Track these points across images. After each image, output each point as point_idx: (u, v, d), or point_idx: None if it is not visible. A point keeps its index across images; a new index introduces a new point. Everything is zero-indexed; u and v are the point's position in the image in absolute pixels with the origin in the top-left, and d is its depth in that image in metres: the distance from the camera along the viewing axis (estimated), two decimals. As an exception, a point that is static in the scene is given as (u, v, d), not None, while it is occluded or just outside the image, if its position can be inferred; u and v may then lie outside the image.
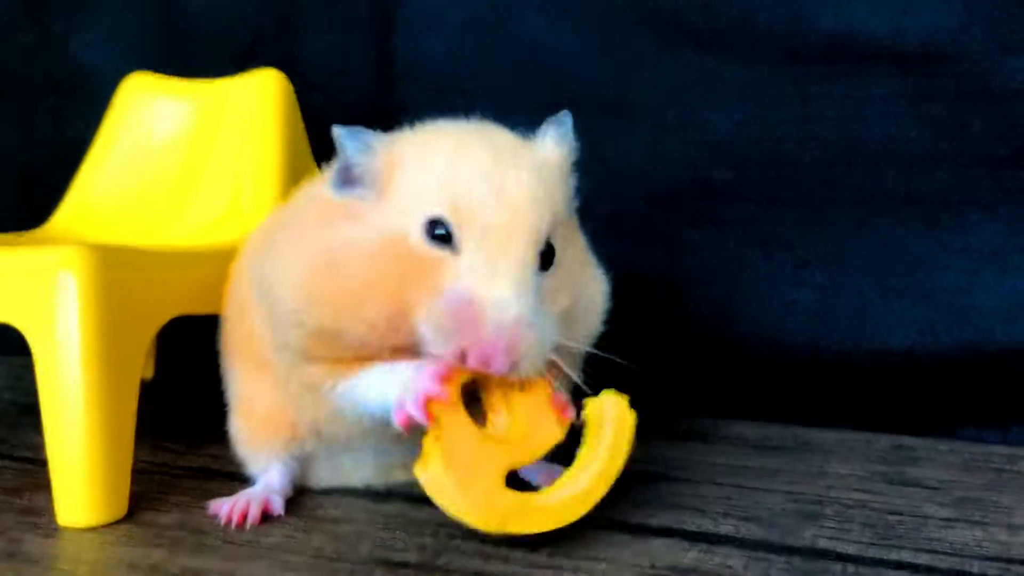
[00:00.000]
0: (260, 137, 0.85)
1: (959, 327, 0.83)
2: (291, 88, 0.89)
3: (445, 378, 0.52)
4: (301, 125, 0.90)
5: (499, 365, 0.50)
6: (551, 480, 0.64)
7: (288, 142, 0.86)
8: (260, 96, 0.87)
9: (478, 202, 0.52)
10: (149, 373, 1.02)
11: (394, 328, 0.53)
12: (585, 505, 0.56)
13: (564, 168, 0.60)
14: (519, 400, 0.56)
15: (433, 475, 0.53)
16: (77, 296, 0.58)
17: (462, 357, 0.50)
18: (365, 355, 0.55)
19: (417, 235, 0.53)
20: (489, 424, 0.56)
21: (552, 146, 0.60)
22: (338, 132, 0.56)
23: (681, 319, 0.91)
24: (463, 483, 0.52)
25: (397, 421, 0.53)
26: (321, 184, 0.61)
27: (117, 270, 0.61)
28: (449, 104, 0.97)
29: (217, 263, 0.70)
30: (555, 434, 0.56)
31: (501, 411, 0.56)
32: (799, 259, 0.87)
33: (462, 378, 0.54)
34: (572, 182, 0.61)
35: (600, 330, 0.61)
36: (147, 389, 0.97)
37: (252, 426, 0.66)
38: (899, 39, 0.83)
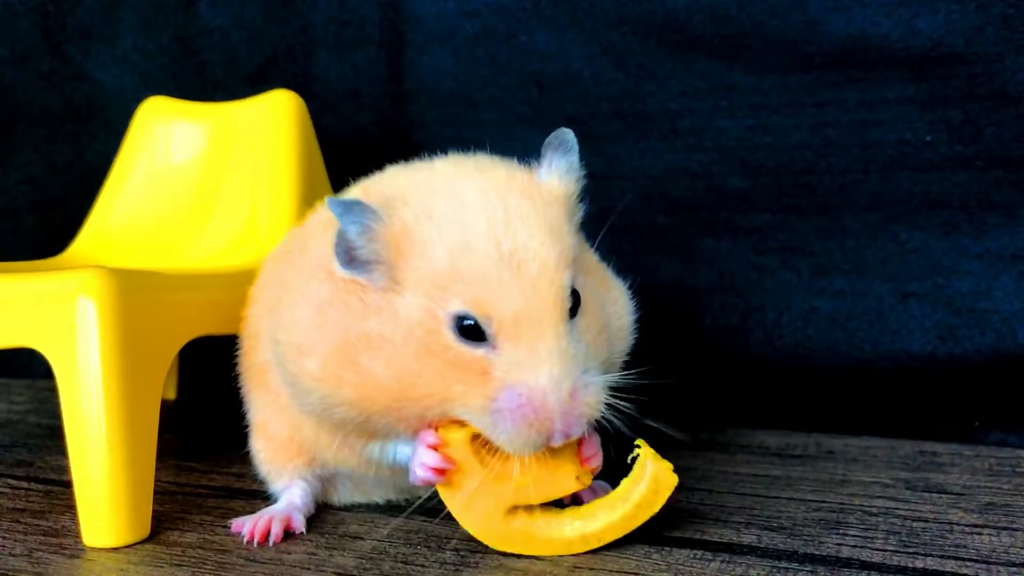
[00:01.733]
0: (275, 158, 0.86)
1: (980, 331, 0.82)
2: (305, 108, 0.90)
3: (441, 446, 0.56)
4: (316, 145, 0.91)
5: (574, 433, 0.53)
6: (594, 495, 0.63)
7: (303, 162, 0.86)
8: (274, 117, 0.88)
9: (499, 287, 0.52)
10: (172, 394, 1.03)
11: (427, 416, 0.55)
12: (587, 546, 0.57)
13: (572, 197, 0.59)
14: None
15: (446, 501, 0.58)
16: (97, 320, 0.59)
17: (537, 443, 0.53)
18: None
19: (446, 331, 0.53)
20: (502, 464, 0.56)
21: (558, 178, 0.59)
22: (335, 208, 0.54)
23: (699, 329, 0.91)
24: (463, 510, 0.58)
25: (417, 483, 0.57)
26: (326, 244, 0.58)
27: (135, 293, 0.61)
28: (460, 118, 0.98)
29: (235, 285, 0.71)
30: (568, 486, 0.57)
31: (511, 458, 0.55)
32: (817, 266, 0.87)
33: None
34: (579, 206, 0.60)
35: (631, 341, 0.62)
36: (170, 410, 0.99)
37: (272, 448, 0.66)
38: (912, 42, 0.82)
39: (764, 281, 0.89)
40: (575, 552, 0.57)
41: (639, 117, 0.92)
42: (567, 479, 0.57)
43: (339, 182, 0.72)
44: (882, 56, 0.83)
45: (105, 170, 0.96)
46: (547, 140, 0.59)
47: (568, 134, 0.59)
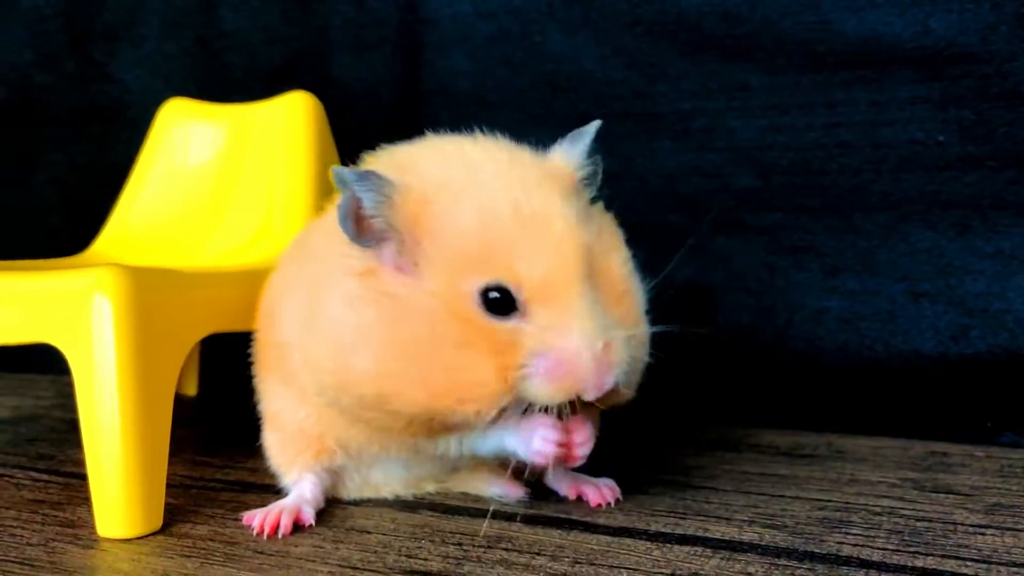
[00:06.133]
0: (292, 158, 0.87)
1: (993, 332, 0.82)
2: (322, 109, 0.91)
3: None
4: (332, 145, 0.92)
5: (607, 384, 0.54)
6: (576, 491, 0.64)
7: (319, 162, 0.88)
8: (292, 118, 0.89)
9: (527, 252, 0.53)
10: (193, 390, 1.05)
11: (493, 401, 0.55)
12: None
13: (578, 178, 0.60)
14: None
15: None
16: (112, 317, 0.60)
17: (569, 393, 0.54)
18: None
19: (473, 307, 0.53)
20: None
21: (565, 159, 0.60)
22: (347, 176, 0.54)
23: (711, 327, 0.91)
24: None
25: (535, 461, 0.57)
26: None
27: (150, 291, 0.63)
28: (475, 118, 0.99)
29: (250, 282, 0.72)
30: None
31: None
32: (829, 266, 0.87)
33: None
34: (588, 189, 0.61)
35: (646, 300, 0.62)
36: (190, 405, 1.01)
37: (283, 440, 0.67)
38: (924, 41, 0.82)
39: (776, 281, 0.89)
40: None
41: (651, 117, 0.92)
42: None
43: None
44: (894, 56, 0.83)
45: (129, 170, 0.98)
46: (571, 133, 0.61)
47: (591, 125, 0.61)
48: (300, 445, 0.66)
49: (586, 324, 0.53)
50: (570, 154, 0.60)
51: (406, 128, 1.01)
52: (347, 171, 0.54)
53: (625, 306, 0.58)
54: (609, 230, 0.62)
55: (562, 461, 0.58)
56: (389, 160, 0.59)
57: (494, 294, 0.53)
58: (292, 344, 0.62)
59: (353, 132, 1.01)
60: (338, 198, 0.66)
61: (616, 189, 0.93)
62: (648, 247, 0.93)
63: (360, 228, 0.55)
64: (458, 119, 1.00)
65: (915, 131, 0.83)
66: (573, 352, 0.52)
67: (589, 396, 0.54)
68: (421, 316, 0.54)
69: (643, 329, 0.59)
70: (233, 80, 1.09)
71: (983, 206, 0.82)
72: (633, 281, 0.60)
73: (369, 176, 0.54)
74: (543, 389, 0.54)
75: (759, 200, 0.89)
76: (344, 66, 1.04)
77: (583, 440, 0.58)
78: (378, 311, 0.55)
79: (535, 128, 0.95)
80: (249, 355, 0.72)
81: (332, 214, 0.66)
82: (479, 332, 0.53)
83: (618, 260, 0.59)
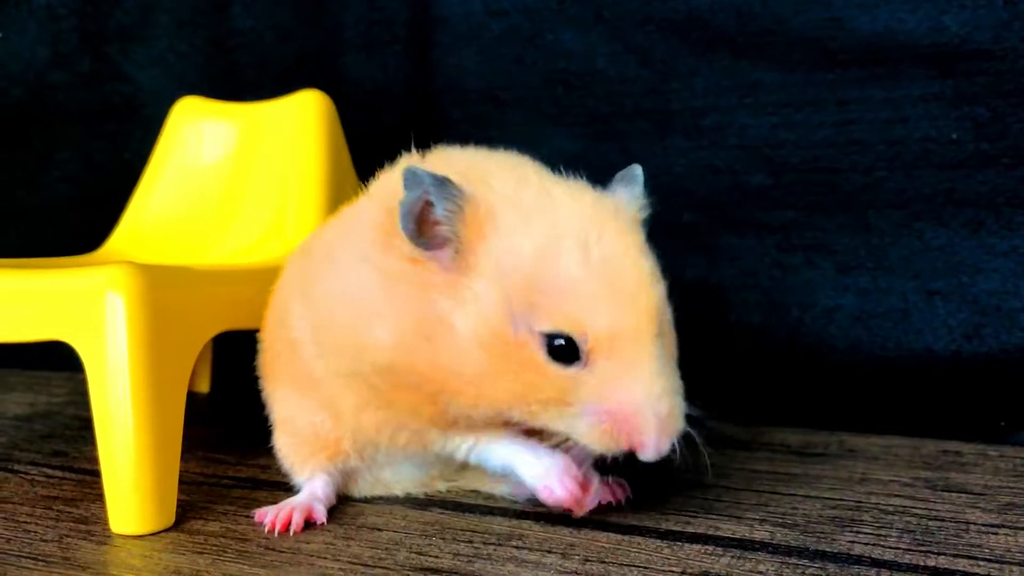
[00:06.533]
0: (304, 157, 0.88)
1: (1006, 330, 0.81)
2: (333, 108, 0.91)
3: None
4: (344, 143, 0.92)
5: (665, 449, 0.53)
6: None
7: (331, 161, 0.88)
8: (303, 117, 0.89)
9: (593, 301, 0.51)
10: (206, 387, 1.05)
11: (507, 414, 0.55)
12: None
13: (640, 223, 0.59)
14: None
15: None
16: (125, 314, 0.61)
17: (620, 448, 0.53)
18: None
19: (537, 350, 0.52)
20: None
21: (628, 203, 0.59)
22: (424, 177, 0.52)
23: (723, 326, 0.91)
24: None
25: (543, 498, 0.58)
26: (378, 221, 0.57)
27: (162, 289, 0.63)
28: (486, 117, 0.99)
29: (262, 280, 0.72)
30: None
31: None
32: (841, 264, 0.87)
33: None
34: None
35: None
36: (203, 402, 1.02)
37: (295, 443, 0.67)
38: (938, 38, 0.82)
39: (788, 279, 0.89)
40: None
41: (663, 115, 0.92)
42: None
43: (366, 180, 0.73)
44: (907, 53, 0.83)
45: (142, 168, 0.99)
46: (617, 175, 0.60)
47: (637, 169, 0.60)
48: (314, 448, 0.66)
49: (655, 383, 0.52)
50: (630, 194, 0.59)
51: (417, 126, 1.02)
52: (424, 172, 0.53)
53: (674, 361, 0.57)
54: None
55: (564, 507, 0.58)
56: (447, 165, 0.57)
57: (559, 342, 0.51)
58: (303, 339, 0.62)
59: (364, 130, 1.01)
60: (343, 206, 0.66)
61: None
62: (660, 245, 0.93)
63: (422, 230, 0.54)
64: (469, 118, 1.01)
65: (928, 128, 0.83)
66: (636, 408, 0.51)
67: (646, 457, 0.53)
68: (460, 309, 0.52)
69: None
70: (245, 79, 1.10)
71: (997, 204, 0.81)
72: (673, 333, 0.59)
73: (446, 183, 0.53)
74: (593, 434, 0.53)
75: (771, 198, 0.89)
76: (355, 65, 1.04)
77: (593, 493, 0.58)
78: (408, 289, 0.54)
79: (546, 126, 0.97)
80: (261, 353, 0.72)
81: (347, 216, 0.66)
82: (535, 368, 0.52)
83: (671, 314, 0.58)
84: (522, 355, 0.52)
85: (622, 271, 0.52)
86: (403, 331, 0.54)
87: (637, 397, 0.51)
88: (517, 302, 0.51)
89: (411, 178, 0.53)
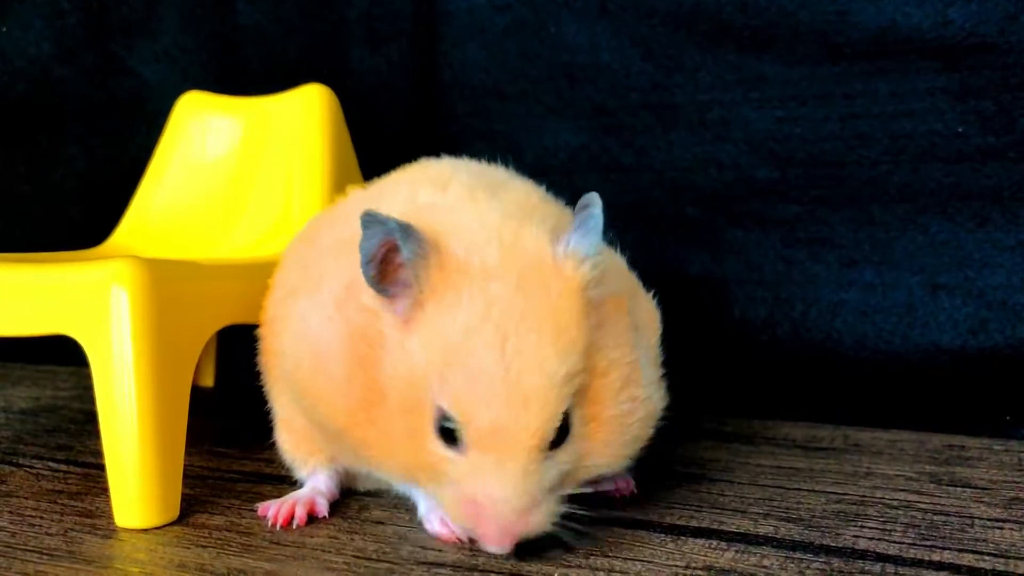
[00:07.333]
0: (308, 151, 0.88)
1: (1011, 325, 0.81)
2: (337, 102, 0.91)
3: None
4: (348, 138, 0.92)
5: (502, 551, 0.53)
6: (615, 489, 0.65)
7: (335, 155, 0.88)
8: (307, 111, 0.89)
9: (489, 395, 0.50)
10: (210, 381, 1.06)
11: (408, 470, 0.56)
12: None
13: (590, 284, 0.54)
14: None
15: None
16: (129, 308, 0.61)
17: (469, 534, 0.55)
18: None
19: (429, 423, 0.53)
20: None
21: (576, 262, 0.54)
22: (390, 227, 0.51)
23: (727, 320, 0.91)
24: None
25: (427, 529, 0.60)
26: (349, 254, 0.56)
27: (167, 283, 0.63)
28: (491, 110, 0.99)
29: (267, 274, 0.72)
30: None
31: None
32: (846, 258, 0.87)
33: None
34: (604, 284, 0.56)
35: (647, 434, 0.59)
36: (207, 396, 1.02)
37: (295, 441, 0.67)
38: (944, 32, 0.82)
39: (792, 273, 0.89)
40: None
41: (668, 108, 0.92)
42: None
43: (371, 174, 0.73)
44: (913, 46, 0.82)
45: (147, 162, 0.99)
46: (578, 203, 0.55)
47: (594, 206, 0.54)
48: (311, 447, 0.66)
49: (509, 486, 0.51)
50: (578, 250, 0.54)
51: (422, 120, 1.02)
52: (388, 217, 0.52)
53: (605, 432, 0.55)
54: (619, 330, 0.57)
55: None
56: (416, 209, 0.57)
57: (447, 423, 0.52)
58: (280, 332, 0.63)
59: (369, 125, 1.01)
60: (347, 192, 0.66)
61: (632, 181, 0.94)
62: (664, 239, 0.93)
63: (383, 274, 0.53)
64: (474, 111, 1.01)
65: (934, 122, 0.82)
66: (485, 504, 0.52)
67: (490, 549, 0.53)
68: (396, 374, 0.53)
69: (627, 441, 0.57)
70: (250, 73, 1.10)
71: (1003, 198, 0.81)
72: (628, 398, 0.56)
73: (411, 230, 0.52)
74: (453, 511, 0.54)
75: (776, 192, 0.88)
76: (360, 59, 1.04)
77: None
78: (366, 350, 0.54)
79: (550, 119, 0.97)
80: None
81: (341, 209, 0.66)
82: (426, 437, 0.53)
83: (617, 377, 0.56)
84: (423, 421, 0.53)
85: (526, 372, 0.50)
86: (351, 404, 0.55)
87: (491, 495, 0.51)
88: (434, 369, 0.52)
89: (373, 222, 0.52)
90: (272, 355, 0.66)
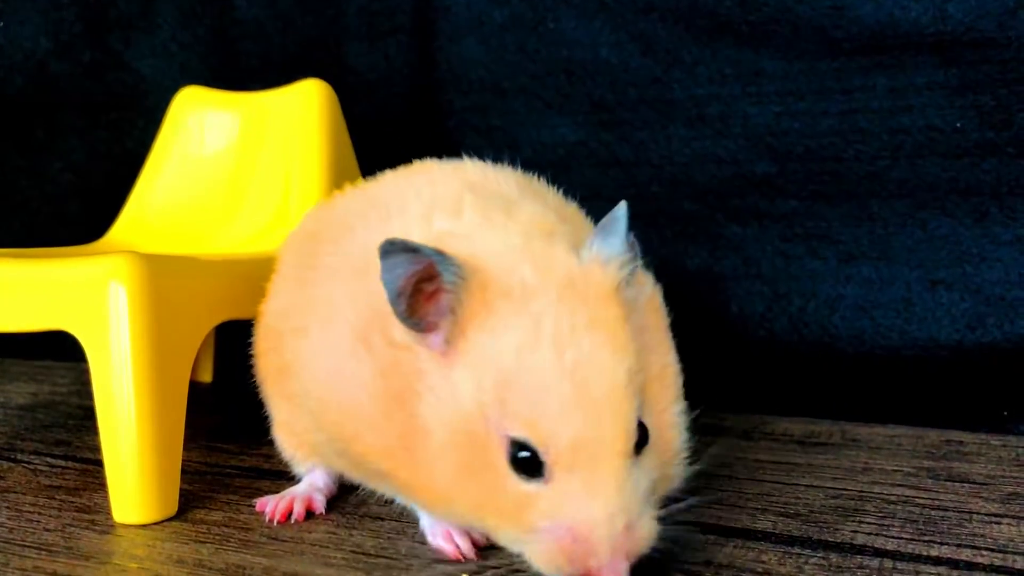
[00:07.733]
0: (306, 146, 0.87)
1: (1010, 320, 0.81)
2: (335, 97, 0.91)
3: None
4: (346, 133, 0.92)
5: (622, 572, 0.47)
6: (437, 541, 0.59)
7: (333, 150, 0.88)
8: (305, 106, 0.89)
9: (560, 414, 0.47)
10: (208, 377, 1.06)
11: (463, 521, 0.53)
12: None
13: (621, 287, 0.52)
14: None
15: None
16: (127, 304, 0.61)
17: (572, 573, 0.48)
18: None
19: (500, 455, 0.48)
20: None
21: (601, 266, 0.52)
22: (424, 249, 0.48)
23: (725, 315, 0.91)
24: None
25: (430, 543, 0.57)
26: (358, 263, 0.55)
27: (165, 278, 0.63)
28: (489, 106, 0.99)
29: (264, 270, 0.72)
30: None
31: None
32: (844, 253, 0.87)
33: None
34: (643, 287, 0.56)
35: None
36: (205, 392, 1.02)
37: (294, 441, 0.67)
38: (942, 27, 0.81)
39: (791, 268, 0.89)
40: None
41: (666, 103, 0.92)
42: None
43: (370, 170, 0.73)
44: (912, 41, 0.82)
45: (145, 158, 0.98)
46: (600, 223, 0.53)
47: (620, 211, 0.53)
48: (310, 446, 0.66)
49: (611, 499, 0.47)
50: (608, 253, 0.52)
51: (421, 115, 1.02)
52: (417, 244, 0.48)
53: (672, 436, 0.54)
54: (661, 333, 0.57)
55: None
56: (450, 233, 0.54)
57: (524, 453, 0.48)
58: (296, 371, 0.60)
59: (367, 120, 1.01)
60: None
61: (631, 176, 0.94)
62: (662, 234, 0.93)
63: (413, 307, 0.50)
64: (472, 107, 1.01)
65: (933, 117, 0.82)
66: (591, 528, 0.47)
67: None
68: (440, 407, 0.50)
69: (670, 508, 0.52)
70: (248, 68, 1.09)
71: (1001, 193, 0.81)
72: (677, 417, 0.55)
73: (447, 256, 0.49)
74: (547, 556, 0.48)
75: (774, 187, 0.88)
76: (358, 54, 1.04)
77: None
78: (399, 385, 0.51)
79: (549, 114, 0.96)
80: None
81: (341, 205, 0.66)
82: (496, 474, 0.49)
83: (671, 382, 0.55)
84: (487, 458, 0.49)
85: (593, 378, 0.48)
86: (389, 442, 0.51)
87: (592, 516, 0.47)
88: (490, 398, 0.48)
89: (401, 248, 0.49)
90: (274, 369, 0.64)
